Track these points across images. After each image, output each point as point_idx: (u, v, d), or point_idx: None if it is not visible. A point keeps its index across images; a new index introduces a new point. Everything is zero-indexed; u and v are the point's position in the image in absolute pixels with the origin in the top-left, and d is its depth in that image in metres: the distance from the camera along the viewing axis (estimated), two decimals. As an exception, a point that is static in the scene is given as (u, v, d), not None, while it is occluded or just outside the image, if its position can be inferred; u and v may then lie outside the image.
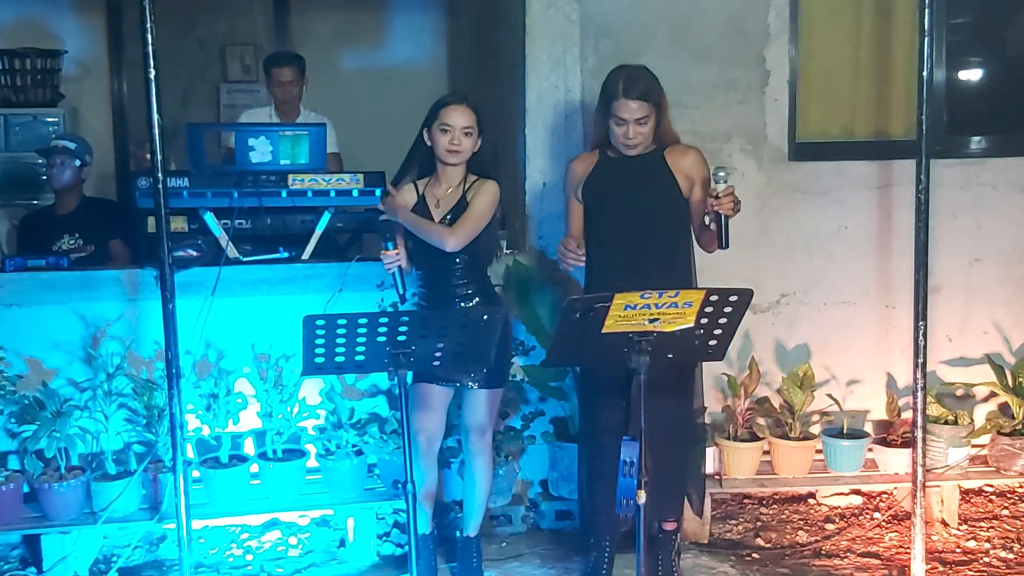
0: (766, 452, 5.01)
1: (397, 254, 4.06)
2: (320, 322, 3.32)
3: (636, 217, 4.03)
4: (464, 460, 4.32)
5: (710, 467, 4.90)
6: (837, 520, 5.02)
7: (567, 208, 4.27)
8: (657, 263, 4.02)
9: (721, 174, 3.83)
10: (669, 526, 4.26)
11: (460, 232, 4.01)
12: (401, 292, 4.08)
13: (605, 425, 4.03)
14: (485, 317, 3.48)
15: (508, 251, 5.03)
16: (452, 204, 4.09)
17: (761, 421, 5.07)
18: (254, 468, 4.66)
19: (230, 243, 4.70)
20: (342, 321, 3.33)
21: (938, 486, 4.90)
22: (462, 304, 4.08)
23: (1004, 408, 5.09)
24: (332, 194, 4.81)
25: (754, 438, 4.97)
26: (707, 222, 3.95)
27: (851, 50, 5.32)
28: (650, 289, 3.25)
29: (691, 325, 3.35)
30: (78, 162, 5.35)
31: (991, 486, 5.26)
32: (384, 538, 4.72)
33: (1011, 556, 4.61)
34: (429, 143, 4.09)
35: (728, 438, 4.94)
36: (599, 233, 4.11)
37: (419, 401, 4.11)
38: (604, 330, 3.30)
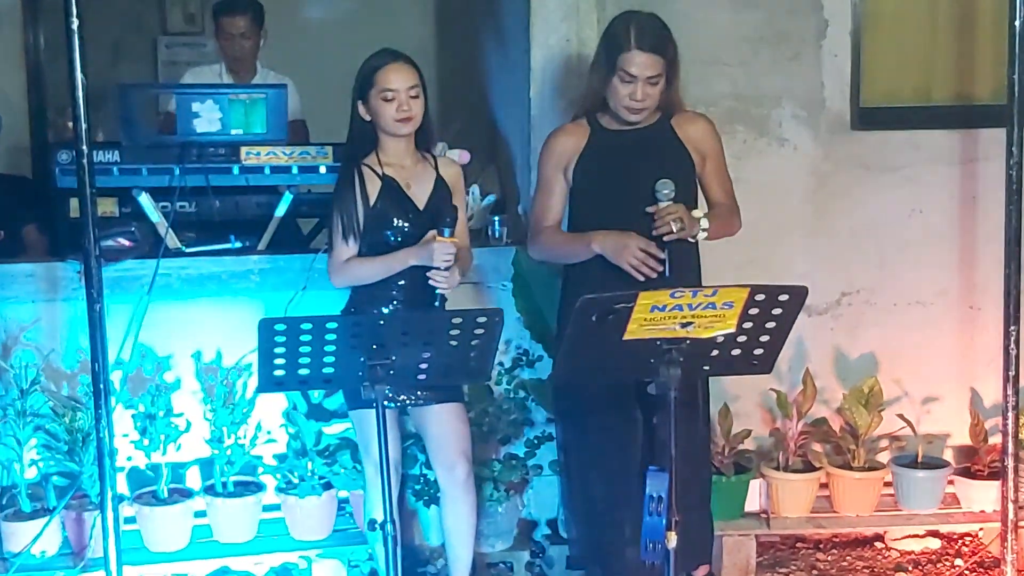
0: (824, 485, 5.01)
1: (455, 242, 3.99)
2: (280, 327, 3.32)
3: (644, 202, 3.98)
4: (441, 497, 4.33)
5: (754, 503, 4.90)
6: (910, 568, 5.02)
7: (541, 189, 4.20)
8: (668, 257, 3.99)
9: (665, 191, 3.89)
10: (701, 574, 4.26)
11: (464, 235, 4.19)
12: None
13: (609, 449, 4.03)
14: (483, 319, 3.48)
15: (508, 242, 5.03)
16: (429, 189, 4.09)
17: (817, 448, 5.07)
18: (200, 504, 4.65)
19: (170, 231, 4.69)
20: (307, 326, 3.33)
21: (1033, 527, 4.91)
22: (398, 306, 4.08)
23: (1114, 432, 5.09)
24: (294, 171, 4.82)
25: (809, 468, 4.97)
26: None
27: (928, -6, 5.33)
28: (678, 289, 3.25)
29: (732, 330, 3.35)
30: (-16, 132, 5.36)
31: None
32: (358, 590, 4.73)
33: (1122, 612, 4.61)
34: (368, 117, 4.08)
35: (777, 468, 4.94)
36: (595, 221, 4.07)
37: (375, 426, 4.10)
38: (626, 336, 3.30)
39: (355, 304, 4.14)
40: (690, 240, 4.00)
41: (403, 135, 4.07)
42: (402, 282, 4.08)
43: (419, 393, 4.09)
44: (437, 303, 4.00)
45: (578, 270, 4.11)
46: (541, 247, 4.22)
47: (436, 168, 4.14)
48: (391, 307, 4.07)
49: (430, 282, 3.96)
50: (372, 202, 4.05)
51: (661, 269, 3.91)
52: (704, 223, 3.99)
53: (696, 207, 4.09)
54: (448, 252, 3.96)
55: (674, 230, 3.88)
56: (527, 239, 4.30)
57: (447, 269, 3.97)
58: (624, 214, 4.01)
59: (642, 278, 3.90)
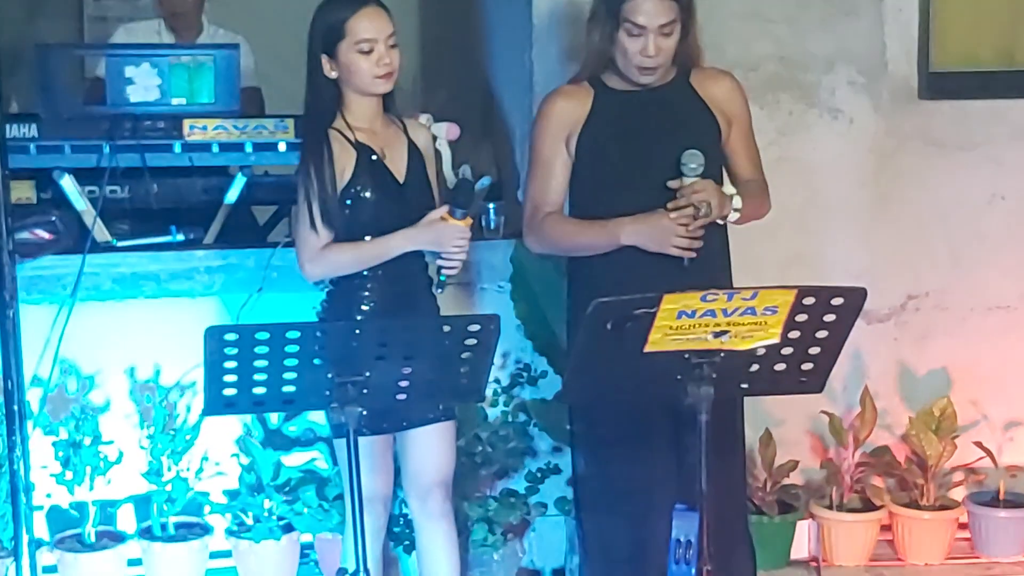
0: (886, 527, 5.03)
1: (471, 225, 3.99)
2: (231, 336, 3.32)
3: (663, 177, 3.97)
4: (416, 535, 4.32)
5: (803, 549, 4.90)
6: (990, 627, 5.03)
7: (538, 166, 4.15)
8: (709, 251, 3.99)
9: (693, 164, 3.86)
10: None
11: None
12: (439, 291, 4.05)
13: (634, 483, 4.04)
14: (476, 327, 3.48)
15: (505, 234, 5.03)
16: (405, 158, 4.08)
17: (878, 482, 5.08)
18: (134, 550, 4.66)
19: (98, 220, 4.70)
20: (263, 335, 3.33)
21: None
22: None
23: None
24: (248, 149, 4.83)
25: (869, 507, 4.98)
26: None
27: (1011, -63, 5.34)
28: (703, 289, 3.26)
29: (776, 341, 3.35)
30: None
31: None
32: (324, 654, 4.74)
33: None
34: (334, 74, 4.07)
35: (830, 507, 4.96)
36: (605, 202, 4.06)
37: (366, 457, 4.09)
38: (647, 348, 3.30)
39: (335, 305, 4.12)
40: (718, 222, 3.98)
41: (381, 93, 4.07)
42: (380, 272, 4.08)
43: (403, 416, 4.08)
44: (439, 289, 4.02)
45: (587, 265, 4.09)
46: (543, 237, 4.17)
47: (406, 132, 4.12)
48: (367, 307, 4.07)
49: (440, 264, 3.99)
50: (347, 176, 4.04)
51: (698, 246, 3.90)
52: (737, 202, 3.98)
53: (723, 182, 4.07)
54: (462, 237, 3.96)
55: (700, 212, 3.86)
56: (524, 228, 4.25)
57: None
58: (638, 193, 3.97)
59: (692, 254, 3.89)
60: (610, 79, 4.09)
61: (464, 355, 3.48)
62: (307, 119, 4.16)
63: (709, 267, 3.96)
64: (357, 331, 3.42)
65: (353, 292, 4.05)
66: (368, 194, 4.03)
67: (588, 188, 4.12)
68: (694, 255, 3.88)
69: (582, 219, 4.11)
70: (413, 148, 4.10)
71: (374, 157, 4.04)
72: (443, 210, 3.97)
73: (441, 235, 3.95)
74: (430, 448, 4.15)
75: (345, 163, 4.02)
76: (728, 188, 4.00)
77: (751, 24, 5.05)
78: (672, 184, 3.88)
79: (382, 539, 4.24)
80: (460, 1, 6.41)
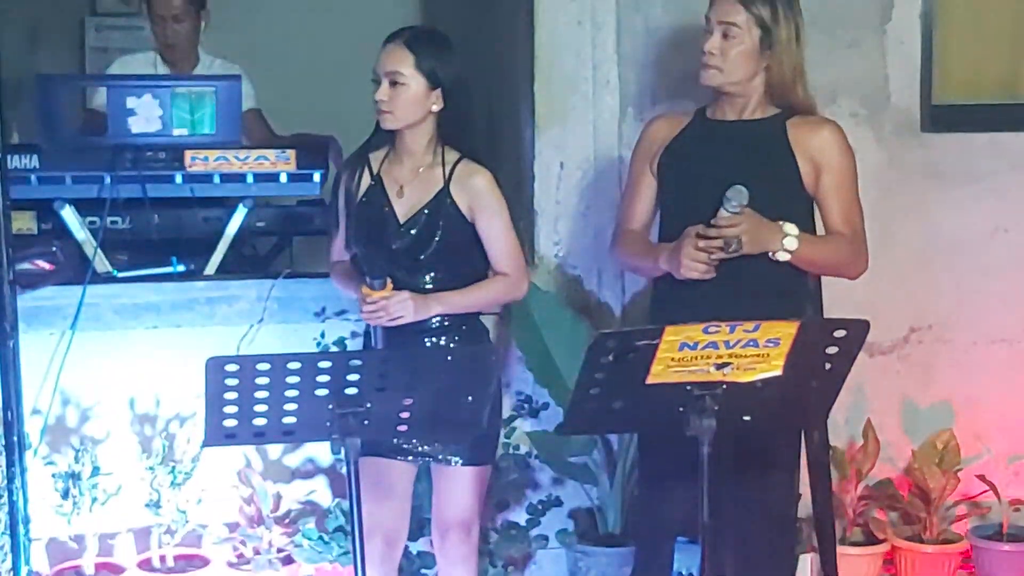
0: (889, 560, 5.01)
1: (386, 296, 3.97)
2: (232, 367, 3.32)
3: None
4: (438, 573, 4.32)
5: (806, 583, 4.89)
6: (994, 663, 5.01)
7: (627, 185, 4.24)
8: (760, 284, 3.95)
9: (734, 202, 3.79)
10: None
11: (519, 270, 4.12)
12: (380, 348, 3.99)
13: (668, 519, 4.03)
14: (476, 358, 3.48)
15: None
16: (427, 198, 4.06)
17: (881, 516, 5.07)
18: (133, 583, 4.64)
19: (99, 251, 4.71)
20: (264, 365, 3.33)
21: None
22: (433, 342, 4.07)
23: None
24: (250, 179, 4.83)
25: (872, 540, 4.98)
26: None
27: (1014, -31, 5.36)
28: (712, 323, 3.25)
29: (779, 373, 3.35)
30: None
31: None
32: None
33: None
34: None
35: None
36: (673, 226, 4.03)
37: (371, 485, 4.09)
38: (649, 380, 3.30)
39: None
40: (771, 257, 3.93)
41: (385, 128, 4.07)
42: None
43: (450, 445, 4.07)
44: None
45: (667, 293, 4.05)
46: (616, 255, 4.29)
47: (447, 178, 4.09)
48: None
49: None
50: (358, 200, 4.11)
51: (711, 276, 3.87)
52: (790, 243, 3.88)
53: (789, 222, 3.94)
54: (367, 308, 3.94)
55: (731, 248, 3.83)
56: (609, 242, 4.34)
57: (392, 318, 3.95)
58: (701, 221, 3.91)
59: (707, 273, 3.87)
60: (711, 108, 4.12)
61: (465, 387, 3.49)
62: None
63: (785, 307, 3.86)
64: (358, 362, 3.42)
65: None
66: (361, 227, 4.07)
67: (664, 211, 4.15)
68: (707, 276, 3.87)
69: (657, 241, 4.12)
70: (442, 195, 4.07)
71: (382, 190, 4.08)
72: (365, 284, 3.97)
73: (358, 305, 4.01)
74: (453, 487, 4.15)
75: (362, 189, 4.12)
76: (789, 228, 3.91)
77: (753, 56, 5.07)
78: (713, 222, 3.84)
79: (393, 572, 4.22)
80: (461, 33, 6.42)
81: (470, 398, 3.52)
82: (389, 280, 3.95)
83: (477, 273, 4.11)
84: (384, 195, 4.10)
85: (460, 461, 4.10)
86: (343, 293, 4.25)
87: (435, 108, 4.04)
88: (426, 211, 4.05)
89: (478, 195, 4.07)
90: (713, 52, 3.95)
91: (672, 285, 3.97)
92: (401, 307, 3.93)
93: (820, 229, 4.09)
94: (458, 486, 4.16)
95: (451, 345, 4.05)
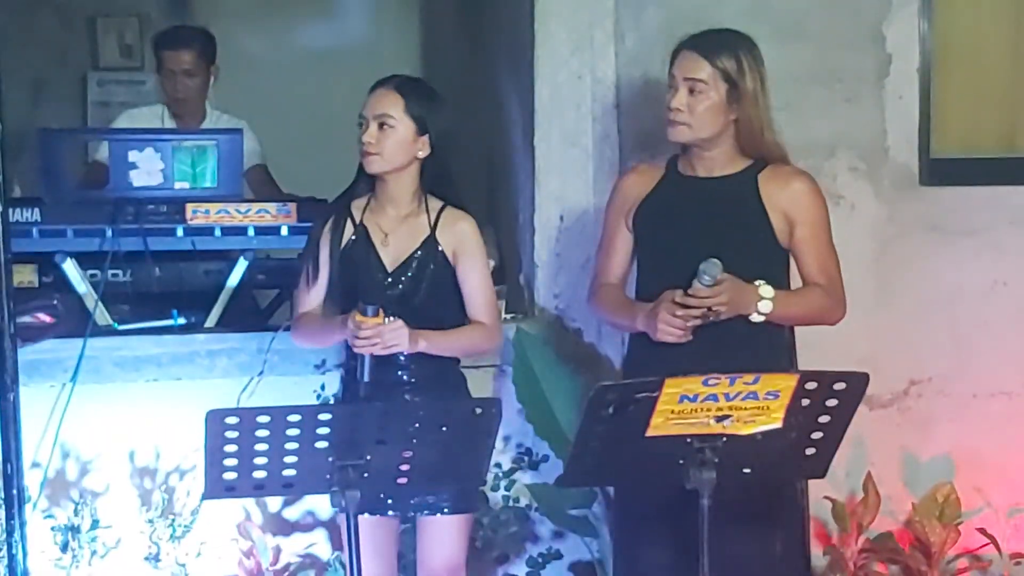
0: (890, 615, 4.98)
1: (380, 324, 3.96)
2: (232, 420, 3.32)
3: (698, 265, 3.98)
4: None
5: (807, 638, 4.87)
6: None
7: (603, 238, 4.26)
8: (735, 339, 3.96)
9: (707, 275, 3.82)
10: None
11: (496, 321, 4.18)
12: (366, 380, 4.01)
13: (651, 571, 4.02)
14: (477, 410, 3.48)
15: (508, 316, 5.04)
16: (414, 245, 4.07)
17: (882, 569, 5.05)
18: (132, 637, 4.63)
19: (100, 304, 4.71)
20: (264, 418, 3.33)
21: None
22: (407, 394, 4.07)
23: None
24: (250, 233, 4.84)
25: (872, 594, 4.95)
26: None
27: (1010, 24, 5.37)
28: (712, 375, 3.25)
29: (779, 425, 3.35)
30: None
31: None
32: None
33: None
34: None
35: (833, 594, 4.92)
36: (650, 282, 4.08)
37: (364, 542, 4.08)
38: (649, 432, 3.30)
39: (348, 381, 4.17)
40: (747, 319, 3.95)
41: (371, 172, 4.08)
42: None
43: (436, 495, 4.07)
44: (362, 378, 3.99)
45: (643, 347, 4.06)
46: (594, 307, 4.31)
47: (432, 225, 4.13)
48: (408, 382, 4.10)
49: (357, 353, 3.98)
50: (341, 249, 4.10)
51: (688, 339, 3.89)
52: (765, 306, 3.91)
53: (762, 280, 3.97)
54: (363, 335, 3.91)
55: (704, 319, 3.85)
56: (587, 294, 4.36)
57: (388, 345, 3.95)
58: (676, 277, 3.94)
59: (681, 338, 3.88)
60: (682, 163, 4.13)
61: (465, 439, 3.49)
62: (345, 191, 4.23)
63: (761, 360, 3.89)
64: (356, 414, 3.42)
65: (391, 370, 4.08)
66: (346, 275, 4.09)
67: (640, 267, 4.18)
68: (683, 340, 3.89)
69: (634, 297, 4.15)
70: (430, 242, 4.09)
71: (366, 238, 4.09)
72: (357, 309, 3.96)
73: (349, 332, 3.96)
74: (437, 536, 4.14)
75: (345, 237, 4.11)
76: (764, 291, 3.92)
77: (752, 110, 5.09)
78: (689, 291, 3.86)
79: None
80: (463, 86, 6.46)
81: (471, 449, 3.52)
82: (381, 310, 3.94)
83: (456, 321, 4.14)
84: (369, 243, 4.11)
85: (447, 509, 4.10)
86: (310, 343, 4.25)
87: (421, 154, 4.07)
88: (416, 257, 4.08)
89: (464, 240, 4.12)
90: (680, 108, 3.97)
91: (649, 340, 3.99)
92: (396, 335, 3.94)
93: (796, 278, 4.13)
94: (446, 534, 4.15)
95: (424, 392, 4.06)
